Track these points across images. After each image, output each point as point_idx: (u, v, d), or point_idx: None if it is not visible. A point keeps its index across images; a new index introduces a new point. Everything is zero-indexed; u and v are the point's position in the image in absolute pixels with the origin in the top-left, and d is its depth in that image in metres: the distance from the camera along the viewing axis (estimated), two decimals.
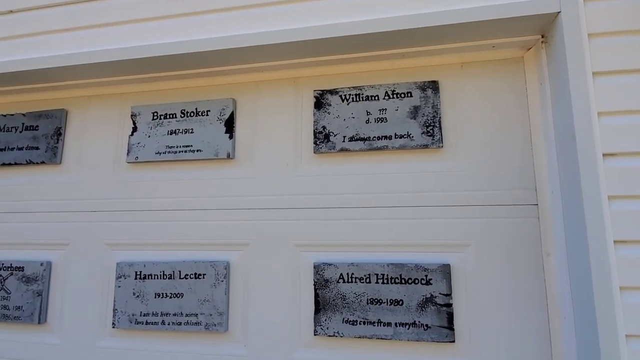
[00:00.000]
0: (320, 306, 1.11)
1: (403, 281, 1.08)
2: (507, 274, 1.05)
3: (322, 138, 1.20)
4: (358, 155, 1.18)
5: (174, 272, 1.23)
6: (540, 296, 1.02)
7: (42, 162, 1.39)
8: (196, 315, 1.18)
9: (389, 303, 1.08)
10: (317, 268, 1.14)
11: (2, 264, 1.35)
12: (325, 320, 1.10)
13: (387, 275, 1.09)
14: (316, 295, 1.12)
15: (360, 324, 1.08)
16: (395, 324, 1.06)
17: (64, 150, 1.41)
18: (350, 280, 1.11)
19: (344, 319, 1.10)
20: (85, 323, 1.27)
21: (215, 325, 1.17)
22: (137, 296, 1.23)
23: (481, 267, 1.06)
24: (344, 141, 1.18)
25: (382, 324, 1.07)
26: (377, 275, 1.10)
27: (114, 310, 1.24)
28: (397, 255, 1.12)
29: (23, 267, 1.33)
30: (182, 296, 1.20)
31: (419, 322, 1.05)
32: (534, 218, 1.05)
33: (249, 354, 1.15)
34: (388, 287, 1.08)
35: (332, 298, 1.11)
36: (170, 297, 1.21)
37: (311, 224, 1.18)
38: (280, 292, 1.16)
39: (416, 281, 1.07)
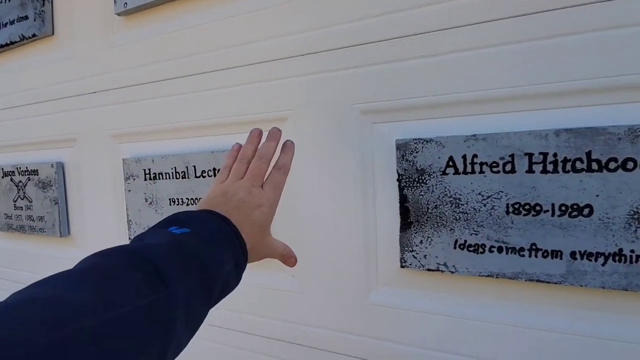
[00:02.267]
0: (410, 218, 0.61)
1: (593, 165, 0.49)
2: None
3: None
4: None
5: (187, 167, 0.83)
6: None
7: (34, 35, 1.06)
8: None
9: (557, 212, 0.51)
10: (404, 149, 0.61)
11: (19, 168, 1.13)
12: (422, 242, 0.60)
13: (555, 154, 0.51)
14: (403, 199, 0.61)
15: (491, 250, 0.56)
16: (572, 253, 0.51)
17: (54, 17, 1.04)
18: (469, 168, 0.56)
19: (457, 241, 0.58)
20: (106, 236, 1.00)
21: None
22: (150, 203, 0.89)
23: None
24: None
25: (540, 252, 0.53)
26: (530, 156, 0.52)
27: (128, 221, 0.93)
28: (578, 112, 0.51)
29: (37, 170, 1.09)
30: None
31: (632, 252, 0.48)
32: None
33: (301, 290, 0.74)
34: (555, 181, 0.51)
35: (434, 203, 0.59)
36: (187, 204, 0.83)
37: (371, 74, 0.62)
38: (343, 192, 0.68)
39: (628, 164, 0.48)
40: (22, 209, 1.13)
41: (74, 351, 0.19)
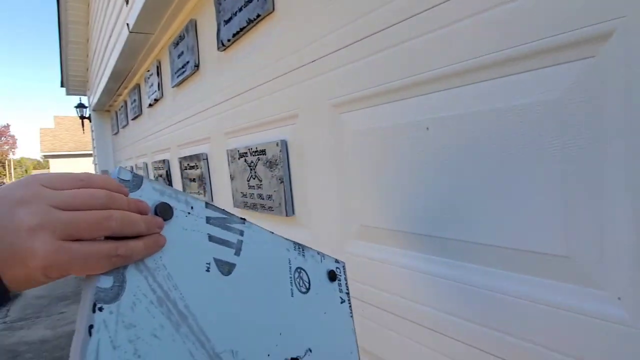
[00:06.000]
0: None
1: None
2: None
3: None
4: None
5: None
6: None
7: (258, 16, 1.07)
8: None
9: None
10: None
11: (251, 149, 1.19)
12: None
13: None
14: None
15: None
16: None
17: None
18: None
19: None
20: (328, 218, 0.92)
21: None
22: None
23: None
24: None
25: None
26: None
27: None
28: None
29: (265, 150, 1.12)
30: None
31: None
32: None
33: (635, 322, 0.44)
34: None
35: None
36: None
37: None
38: None
39: None
40: (254, 188, 1.20)
41: None
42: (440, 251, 0.65)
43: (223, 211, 0.40)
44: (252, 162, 1.19)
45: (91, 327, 0.28)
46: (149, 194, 0.35)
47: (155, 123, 2.49)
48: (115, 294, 0.30)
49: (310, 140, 0.95)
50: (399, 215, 0.72)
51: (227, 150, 1.36)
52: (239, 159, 1.26)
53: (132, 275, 0.31)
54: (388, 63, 0.70)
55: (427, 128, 0.64)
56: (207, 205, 0.39)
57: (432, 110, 0.63)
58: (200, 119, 1.66)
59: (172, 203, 0.36)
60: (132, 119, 3.20)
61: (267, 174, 1.11)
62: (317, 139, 0.91)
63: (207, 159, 1.63)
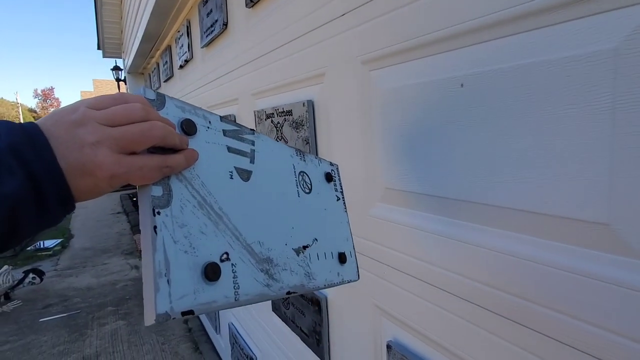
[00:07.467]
0: None
1: None
2: None
3: None
4: None
5: None
6: None
7: None
8: None
9: None
10: None
11: (277, 110, 1.17)
12: None
13: None
14: None
15: None
16: None
17: None
18: None
19: None
20: (352, 178, 0.90)
21: None
22: None
23: None
24: None
25: None
26: None
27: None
28: None
29: (291, 110, 1.09)
30: None
31: None
32: None
33: None
34: None
35: None
36: None
37: None
38: None
39: None
40: None
41: None
42: (469, 216, 0.62)
43: (235, 123, 0.45)
44: (278, 123, 1.17)
45: (155, 227, 0.33)
46: (173, 111, 0.39)
47: (186, 85, 2.50)
48: (166, 201, 0.35)
49: (337, 100, 0.91)
50: (427, 178, 0.69)
51: (254, 111, 1.35)
52: (265, 119, 1.25)
53: (176, 185, 0.36)
54: (421, 14, 0.65)
55: (462, 85, 0.59)
56: (221, 118, 0.44)
57: (467, 65, 0.59)
58: (228, 80, 1.65)
59: (192, 118, 0.40)
60: (164, 81, 3.24)
61: (293, 135, 1.10)
62: (344, 98, 0.88)
63: (235, 120, 1.63)
